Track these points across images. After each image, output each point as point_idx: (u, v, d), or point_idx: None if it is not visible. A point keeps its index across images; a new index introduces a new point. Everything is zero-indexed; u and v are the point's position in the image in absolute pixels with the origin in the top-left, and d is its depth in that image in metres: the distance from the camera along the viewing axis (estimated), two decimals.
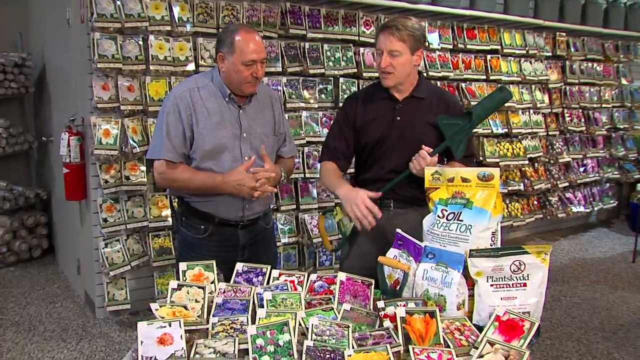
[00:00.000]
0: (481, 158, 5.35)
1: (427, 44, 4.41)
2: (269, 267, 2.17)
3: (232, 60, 2.33)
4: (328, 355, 1.60)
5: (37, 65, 5.21)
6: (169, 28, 3.77)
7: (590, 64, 6.49)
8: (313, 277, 2.11)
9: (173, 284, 1.98)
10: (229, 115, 2.42)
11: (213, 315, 1.85)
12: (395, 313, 1.77)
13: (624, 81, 6.92)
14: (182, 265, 2.11)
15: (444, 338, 1.70)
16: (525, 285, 1.84)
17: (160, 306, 1.82)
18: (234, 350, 1.63)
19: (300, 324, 1.78)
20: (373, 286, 2.04)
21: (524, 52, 5.71)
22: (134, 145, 3.67)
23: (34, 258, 5.18)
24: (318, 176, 4.08)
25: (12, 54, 5.12)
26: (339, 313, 1.86)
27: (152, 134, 3.00)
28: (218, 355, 1.61)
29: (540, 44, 5.88)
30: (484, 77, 5.41)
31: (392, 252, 2.11)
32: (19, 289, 4.52)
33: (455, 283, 1.85)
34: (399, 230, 2.13)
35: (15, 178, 5.39)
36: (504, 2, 5.47)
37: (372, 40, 4.64)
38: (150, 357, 1.60)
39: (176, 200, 2.62)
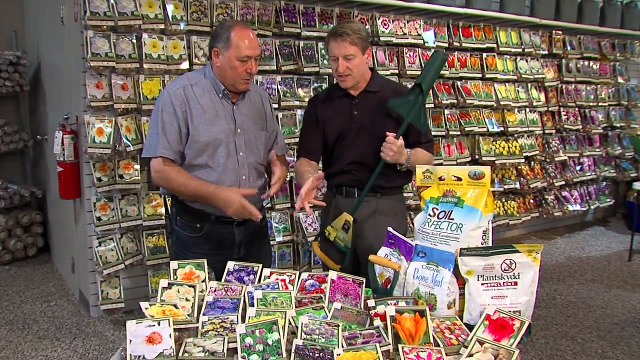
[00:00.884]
0: (477, 156, 5.35)
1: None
2: (260, 266, 2.16)
3: (228, 56, 2.34)
4: (317, 354, 1.59)
5: (32, 63, 5.19)
6: (162, 26, 3.76)
7: (586, 63, 6.48)
8: (304, 275, 2.10)
9: (163, 282, 1.97)
10: (223, 111, 2.43)
11: (203, 314, 1.85)
12: (385, 312, 1.77)
13: (620, 79, 6.93)
14: (173, 264, 2.10)
15: (433, 337, 1.70)
16: (516, 284, 1.83)
17: (150, 305, 1.81)
18: (223, 349, 1.62)
19: (290, 323, 1.77)
20: (364, 285, 2.04)
21: (520, 50, 5.70)
22: (128, 144, 3.66)
23: (29, 257, 5.17)
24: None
25: (7, 52, 5.11)
26: (329, 312, 1.86)
27: (147, 133, 2.99)
28: (207, 354, 1.61)
29: (536, 42, 5.88)
30: (480, 75, 5.41)
31: (383, 251, 2.10)
32: (13, 287, 4.51)
33: (446, 282, 1.84)
34: (390, 228, 2.12)
35: (10, 176, 5.38)
36: (499, 1, 5.47)
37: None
38: (139, 356, 1.60)
39: (170, 199, 2.62)
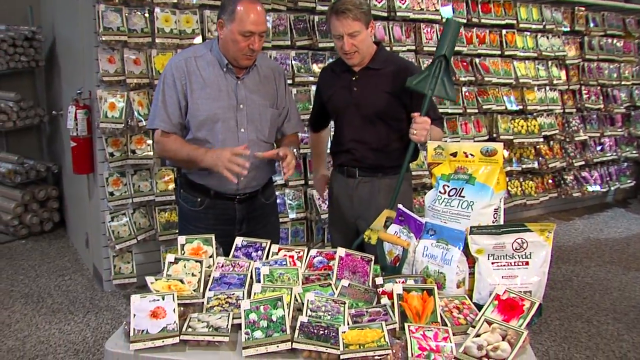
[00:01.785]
0: (494, 135, 5.26)
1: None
2: (269, 242, 2.14)
3: (231, 29, 2.27)
4: (322, 331, 1.57)
5: (47, 38, 5.19)
6: (175, 0, 3.72)
7: (609, 40, 6.30)
8: (313, 252, 2.08)
9: (170, 257, 1.96)
10: (226, 86, 2.37)
11: (209, 290, 1.83)
12: (392, 290, 1.73)
13: None
14: (181, 239, 2.09)
15: (441, 316, 1.66)
16: (527, 263, 1.78)
17: (156, 279, 1.80)
18: (227, 325, 1.60)
19: (296, 300, 1.75)
20: (373, 262, 2.00)
21: (541, 27, 5.56)
22: (140, 119, 3.64)
23: (45, 231, 5.22)
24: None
25: (22, 27, 5.11)
26: (336, 289, 1.83)
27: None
28: (210, 329, 1.59)
29: (557, 19, 5.72)
30: (499, 52, 5.29)
31: (393, 228, 2.07)
32: (29, 261, 4.56)
33: (455, 260, 1.80)
34: (400, 206, 2.09)
35: (26, 152, 5.40)
36: None
37: (385, 14, 4.55)
38: (142, 330, 1.59)
39: (175, 171, 2.60)
